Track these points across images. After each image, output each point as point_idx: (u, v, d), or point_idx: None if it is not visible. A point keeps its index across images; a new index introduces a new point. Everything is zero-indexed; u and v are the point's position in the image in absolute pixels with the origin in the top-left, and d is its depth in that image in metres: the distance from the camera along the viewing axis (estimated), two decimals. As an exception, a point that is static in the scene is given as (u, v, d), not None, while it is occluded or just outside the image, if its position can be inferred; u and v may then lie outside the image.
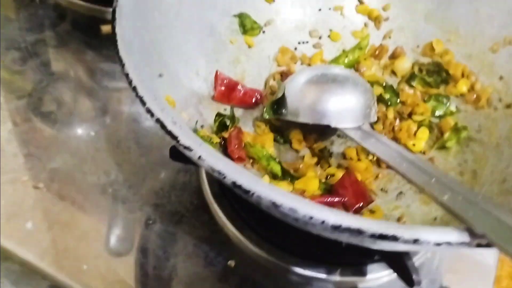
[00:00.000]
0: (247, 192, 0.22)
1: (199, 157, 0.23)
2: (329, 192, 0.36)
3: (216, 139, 0.36)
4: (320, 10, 0.49)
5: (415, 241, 0.22)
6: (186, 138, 0.24)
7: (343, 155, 0.42)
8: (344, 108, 0.37)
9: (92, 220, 0.40)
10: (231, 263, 0.39)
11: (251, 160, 0.37)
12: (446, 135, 0.43)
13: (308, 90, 0.38)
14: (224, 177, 0.22)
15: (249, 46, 0.46)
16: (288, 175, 0.37)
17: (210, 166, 0.23)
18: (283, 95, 0.39)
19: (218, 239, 0.40)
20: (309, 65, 0.47)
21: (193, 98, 0.38)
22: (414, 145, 0.42)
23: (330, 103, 0.37)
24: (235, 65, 0.44)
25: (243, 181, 0.22)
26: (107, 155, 0.44)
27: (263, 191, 0.22)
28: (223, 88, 0.39)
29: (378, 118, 0.44)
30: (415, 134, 0.43)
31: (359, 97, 0.38)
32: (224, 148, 0.36)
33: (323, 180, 0.38)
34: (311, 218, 0.21)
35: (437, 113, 0.45)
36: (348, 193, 0.34)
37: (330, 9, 0.49)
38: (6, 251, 0.37)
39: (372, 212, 0.36)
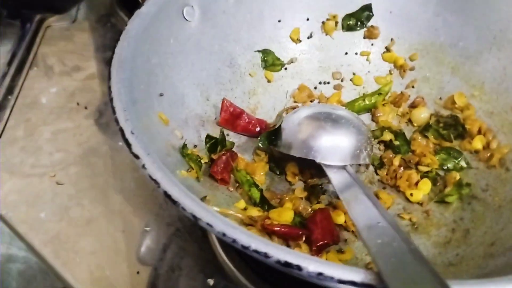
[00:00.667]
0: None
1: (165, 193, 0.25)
2: (303, 226, 0.37)
3: (205, 159, 0.39)
4: (346, 53, 0.51)
5: (319, 275, 0.23)
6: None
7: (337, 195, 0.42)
8: (331, 145, 0.38)
9: (102, 221, 0.44)
10: (210, 281, 0.40)
11: (237, 184, 0.39)
12: (448, 189, 0.42)
13: (302, 125, 0.40)
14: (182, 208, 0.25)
15: (268, 81, 0.48)
16: (266, 204, 0.38)
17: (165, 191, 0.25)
18: (279, 126, 0.41)
19: (204, 256, 0.42)
20: (318, 103, 0.48)
21: (196, 120, 0.41)
22: (411, 195, 0.42)
23: (318, 138, 0.38)
24: (250, 96, 0.47)
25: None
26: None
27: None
28: (227, 114, 0.42)
29: (383, 163, 0.44)
30: (416, 184, 0.42)
31: (349, 137, 0.39)
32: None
33: (304, 214, 0.39)
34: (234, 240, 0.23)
35: (446, 166, 0.44)
36: (316, 229, 0.35)
37: (356, 54, 0.50)
38: (18, 234, 0.42)
39: (341, 252, 0.36)
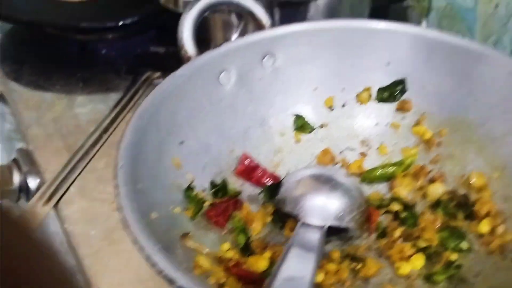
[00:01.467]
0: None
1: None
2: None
3: (209, 202, 0.45)
4: (377, 124, 0.54)
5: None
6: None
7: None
8: (316, 204, 0.42)
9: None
10: None
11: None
12: (437, 267, 0.42)
13: (298, 183, 0.44)
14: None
15: (297, 141, 0.53)
16: (248, 250, 0.43)
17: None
18: (280, 182, 0.46)
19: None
20: (341, 167, 0.52)
21: (214, 168, 0.48)
22: (398, 268, 0.43)
23: (306, 196, 0.42)
24: (275, 153, 0.53)
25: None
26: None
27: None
28: (243, 166, 0.49)
29: (386, 233, 0.46)
30: (410, 257, 0.43)
31: (335, 198, 0.42)
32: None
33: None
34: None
35: (447, 245, 0.44)
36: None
37: (387, 125, 0.53)
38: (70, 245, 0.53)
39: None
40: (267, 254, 0.42)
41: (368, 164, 0.52)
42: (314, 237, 0.40)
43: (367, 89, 0.53)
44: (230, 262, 0.39)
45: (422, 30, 0.51)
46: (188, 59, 0.50)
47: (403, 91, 0.52)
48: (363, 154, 0.52)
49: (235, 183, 0.49)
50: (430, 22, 0.74)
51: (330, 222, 0.41)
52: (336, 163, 0.52)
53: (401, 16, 0.79)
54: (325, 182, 0.43)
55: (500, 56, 0.46)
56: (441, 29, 0.68)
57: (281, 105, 0.53)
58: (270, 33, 0.52)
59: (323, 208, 0.42)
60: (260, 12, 0.53)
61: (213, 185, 0.46)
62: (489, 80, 0.47)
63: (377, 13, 0.69)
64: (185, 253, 0.39)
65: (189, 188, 0.44)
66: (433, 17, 0.73)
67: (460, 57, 0.48)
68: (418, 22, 0.76)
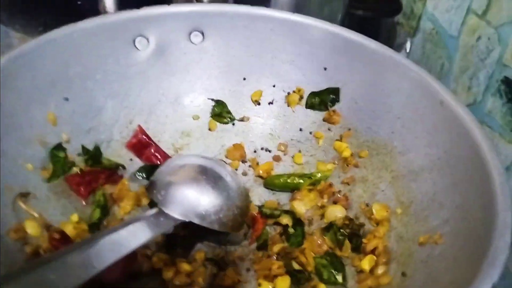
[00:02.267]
0: None
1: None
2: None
3: (78, 168, 0.41)
4: (300, 130, 0.49)
5: None
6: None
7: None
8: (179, 194, 0.37)
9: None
10: None
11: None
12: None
13: (175, 169, 0.40)
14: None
15: (210, 129, 0.49)
16: (95, 228, 0.39)
17: None
18: (159, 165, 0.41)
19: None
20: (250, 167, 0.47)
21: (103, 135, 0.44)
22: (259, 284, 0.38)
23: (172, 183, 0.38)
24: (182, 136, 0.48)
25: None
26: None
27: None
28: (136, 140, 0.44)
29: (267, 245, 0.41)
30: (275, 276, 0.38)
31: (207, 195, 0.37)
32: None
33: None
34: None
35: (322, 274, 0.38)
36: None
37: (311, 133, 0.48)
38: None
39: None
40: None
41: (278, 170, 0.47)
42: (165, 225, 0.35)
43: (299, 90, 0.48)
44: (57, 235, 0.35)
45: (364, 39, 0.45)
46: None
47: (335, 101, 0.47)
48: (276, 158, 0.47)
49: (124, 156, 0.45)
50: (414, 43, 0.68)
51: (189, 219, 0.36)
52: (245, 162, 0.47)
53: (390, 31, 0.73)
54: (205, 175, 0.39)
55: (432, 84, 0.40)
56: (424, 53, 0.63)
57: (202, 87, 0.49)
58: (202, 7, 0.47)
59: (187, 201, 0.37)
60: (200, -17, 0.48)
61: (84, 150, 0.41)
62: (420, 108, 0.41)
63: (368, 25, 0.64)
64: (15, 213, 0.35)
65: (59, 148, 0.40)
66: (419, 38, 0.67)
67: (400, 77, 0.43)
68: (403, 41, 0.70)
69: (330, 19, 0.46)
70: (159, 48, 0.46)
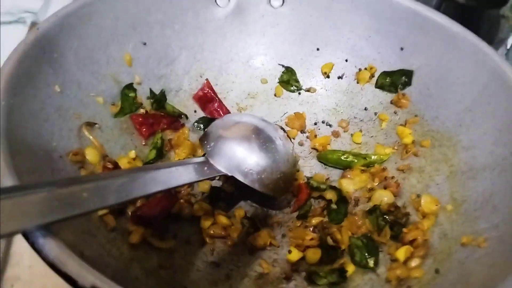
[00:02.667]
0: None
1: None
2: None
3: (144, 110, 0.44)
4: (365, 109, 0.48)
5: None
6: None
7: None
8: (226, 148, 0.38)
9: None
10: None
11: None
12: (324, 269, 0.37)
13: (230, 124, 0.40)
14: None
15: (275, 95, 0.49)
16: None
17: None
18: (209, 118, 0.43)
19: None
20: (307, 138, 0.47)
21: (173, 83, 0.46)
22: (290, 251, 0.38)
23: (223, 137, 0.38)
24: (248, 97, 0.49)
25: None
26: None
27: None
28: (202, 93, 0.46)
29: (307, 217, 0.41)
30: (307, 247, 0.39)
31: (255, 154, 0.38)
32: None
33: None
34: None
35: (354, 254, 0.38)
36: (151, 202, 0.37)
37: (376, 114, 0.47)
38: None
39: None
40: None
41: (334, 146, 0.47)
42: (208, 174, 0.36)
43: (371, 68, 0.47)
44: (110, 165, 0.37)
45: (448, 22, 0.42)
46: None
47: (406, 84, 0.45)
48: (335, 134, 0.47)
49: (190, 107, 0.47)
50: (516, 40, 0.63)
51: (232, 173, 0.37)
52: (304, 132, 0.47)
53: (493, 23, 0.68)
54: (255, 134, 0.39)
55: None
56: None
57: (274, 52, 0.49)
58: (286, -31, 0.47)
59: (233, 156, 0.38)
60: None
61: (152, 93, 0.44)
62: (494, 103, 0.38)
63: (468, 15, 0.59)
64: (79, 139, 0.38)
65: (130, 88, 0.43)
66: (522, 35, 0.62)
67: (477, 67, 0.40)
68: (506, 36, 0.65)
69: (424, 1, 0.44)
70: (238, 7, 0.47)
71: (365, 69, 0.47)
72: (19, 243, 0.42)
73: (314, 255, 0.38)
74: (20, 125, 0.31)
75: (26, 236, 0.23)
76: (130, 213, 0.37)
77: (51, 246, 0.23)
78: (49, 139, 0.35)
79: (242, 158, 0.38)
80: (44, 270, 0.21)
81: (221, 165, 0.37)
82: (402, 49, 0.45)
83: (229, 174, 0.37)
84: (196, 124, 0.45)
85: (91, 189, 0.27)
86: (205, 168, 0.37)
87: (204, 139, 0.39)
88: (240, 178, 0.37)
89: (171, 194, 0.39)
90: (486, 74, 0.39)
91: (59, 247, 0.23)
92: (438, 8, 0.59)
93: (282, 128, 0.44)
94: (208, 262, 0.37)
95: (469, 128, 0.40)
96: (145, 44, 0.44)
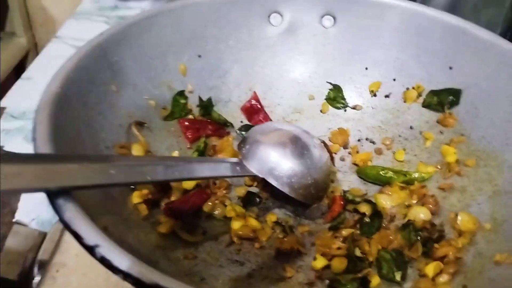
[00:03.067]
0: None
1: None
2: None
3: (192, 116, 0.47)
4: (411, 128, 0.47)
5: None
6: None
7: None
8: (261, 152, 0.39)
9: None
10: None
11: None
12: (346, 277, 0.36)
13: (269, 131, 0.42)
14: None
15: (322, 111, 0.50)
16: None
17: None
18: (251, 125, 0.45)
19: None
20: (349, 153, 0.47)
21: (222, 94, 0.49)
22: (315, 258, 0.38)
23: (258, 142, 0.40)
24: (294, 112, 0.50)
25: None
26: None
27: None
28: (249, 105, 0.49)
29: (338, 228, 0.42)
30: (334, 256, 0.39)
31: (289, 160, 0.39)
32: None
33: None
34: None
35: (381, 267, 0.37)
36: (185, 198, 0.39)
37: (420, 133, 0.46)
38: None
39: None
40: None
41: (376, 163, 0.46)
42: (239, 173, 0.38)
43: (418, 87, 0.47)
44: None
45: (499, 40, 0.41)
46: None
47: (453, 103, 0.44)
48: (378, 151, 0.47)
49: (237, 117, 0.49)
50: None
51: (263, 175, 0.39)
52: (347, 148, 0.48)
53: None
54: (289, 139, 0.40)
55: None
56: None
57: (323, 70, 0.51)
58: (338, -9, 0.49)
59: (264, 159, 0.39)
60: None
61: (200, 100, 0.47)
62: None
63: None
64: (127, 135, 0.42)
65: (182, 95, 0.46)
66: None
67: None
68: None
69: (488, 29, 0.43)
70: (291, 27, 0.50)
71: (413, 88, 0.47)
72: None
73: (339, 264, 0.37)
74: (72, 113, 0.35)
75: (49, 195, 0.26)
76: (163, 205, 0.39)
77: (68, 207, 0.26)
78: (99, 130, 0.38)
79: (274, 162, 0.39)
80: (89, 260, 0.23)
81: (253, 167, 0.39)
82: (451, 68, 0.44)
83: (260, 176, 0.39)
84: (238, 131, 0.47)
85: (119, 166, 0.30)
86: (237, 167, 0.38)
87: (241, 143, 0.41)
88: (270, 180, 0.39)
89: (203, 191, 0.41)
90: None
91: (76, 209, 0.26)
92: (504, 35, 0.57)
93: (323, 142, 0.44)
94: (232, 260, 0.38)
95: (515, 146, 0.38)
96: (200, 56, 0.48)
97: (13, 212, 0.52)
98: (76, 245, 0.25)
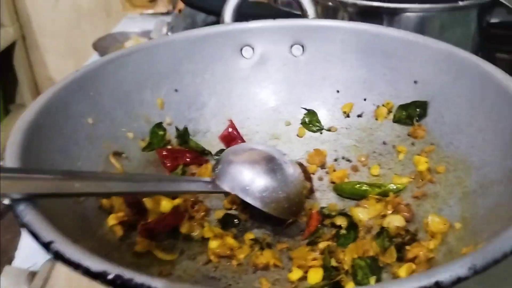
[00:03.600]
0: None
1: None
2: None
3: (171, 146, 0.48)
4: (384, 143, 0.48)
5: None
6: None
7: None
8: (232, 170, 0.41)
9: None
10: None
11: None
12: (320, 284, 0.36)
13: (242, 151, 0.43)
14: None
15: (299, 135, 0.52)
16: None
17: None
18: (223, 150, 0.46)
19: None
20: (326, 173, 0.48)
21: (201, 125, 0.51)
22: (291, 271, 0.38)
23: (231, 162, 0.41)
24: (271, 138, 0.52)
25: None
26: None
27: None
28: (226, 133, 0.50)
29: (316, 243, 0.42)
30: (309, 267, 0.39)
31: (262, 177, 0.40)
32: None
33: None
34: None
35: (356, 273, 0.37)
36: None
37: (394, 147, 0.47)
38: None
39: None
40: (177, 201, 0.43)
41: (352, 179, 0.47)
42: (211, 190, 0.39)
43: (388, 104, 0.48)
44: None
45: (455, 49, 0.43)
46: (222, 27, 0.54)
47: (421, 115, 0.46)
48: (354, 169, 0.48)
49: (216, 146, 0.51)
50: None
51: (235, 192, 0.40)
52: (324, 168, 0.49)
53: None
54: (258, 157, 0.42)
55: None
56: None
57: (297, 96, 0.53)
58: (304, 22, 0.52)
59: (235, 177, 0.40)
60: (307, 3, 0.53)
61: (177, 130, 0.49)
62: (502, 119, 0.38)
63: None
64: (105, 164, 0.43)
65: (160, 127, 0.48)
66: None
67: (484, 87, 0.40)
68: None
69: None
70: (262, 58, 0.52)
71: (383, 105, 0.48)
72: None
73: (315, 274, 0.37)
74: (46, 140, 0.37)
75: (13, 202, 0.27)
76: (140, 226, 0.40)
77: (28, 212, 0.27)
78: (75, 158, 0.40)
79: (245, 178, 0.40)
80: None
81: (225, 185, 0.40)
82: (415, 82, 0.46)
83: (233, 192, 0.40)
84: (216, 156, 0.48)
85: (84, 182, 0.31)
86: (209, 185, 0.39)
87: (215, 164, 0.42)
88: (242, 196, 0.40)
89: (179, 211, 0.41)
90: (492, 92, 0.39)
91: (36, 213, 0.27)
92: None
93: (301, 164, 0.46)
94: (208, 277, 0.38)
95: (481, 148, 0.39)
96: (176, 90, 0.50)
97: (10, 260, 0.53)
98: (64, 280, 0.25)
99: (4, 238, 0.59)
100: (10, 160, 0.31)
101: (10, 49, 1.52)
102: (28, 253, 0.49)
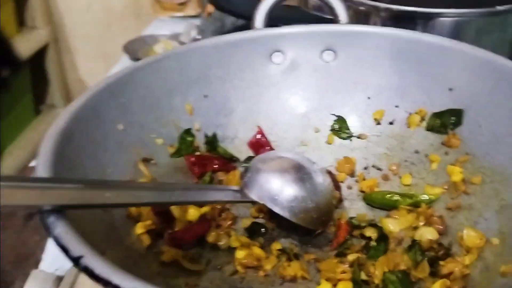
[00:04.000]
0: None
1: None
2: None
3: (199, 153, 0.48)
4: (416, 152, 0.47)
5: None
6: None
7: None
8: (261, 180, 0.40)
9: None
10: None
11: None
12: (350, 299, 0.36)
13: (271, 160, 0.43)
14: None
15: (328, 142, 0.51)
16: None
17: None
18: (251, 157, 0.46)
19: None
20: (356, 181, 0.47)
21: (229, 132, 0.50)
22: (319, 283, 0.38)
23: (260, 170, 0.41)
24: (300, 144, 0.51)
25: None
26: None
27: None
28: (255, 140, 0.50)
29: (345, 254, 0.41)
30: (339, 280, 0.38)
31: (290, 186, 0.40)
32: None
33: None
34: None
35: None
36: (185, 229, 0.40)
37: (426, 156, 0.46)
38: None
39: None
40: (205, 209, 0.43)
41: (383, 188, 0.46)
42: (240, 200, 0.39)
43: (421, 111, 0.47)
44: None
45: (492, 55, 0.42)
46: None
47: (456, 124, 0.44)
48: (385, 177, 0.46)
49: (244, 153, 0.50)
50: None
51: (263, 201, 0.39)
52: (353, 176, 0.48)
53: None
54: (292, 168, 0.41)
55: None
56: None
57: (327, 102, 0.52)
58: (336, 27, 0.51)
59: (264, 186, 0.39)
60: (339, 7, 0.52)
61: (205, 137, 0.49)
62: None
63: None
64: (134, 170, 0.43)
65: (189, 133, 0.48)
66: None
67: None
68: None
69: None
70: (293, 64, 0.51)
71: (415, 113, 0.47)
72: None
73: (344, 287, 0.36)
74: (77, 147, 0.38)
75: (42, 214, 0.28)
76: (166, 235, 0.40)
77: (58, 224, 0.27)
78: (105, 165, 0.40)
79: (274, 188, 0.40)
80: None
81: (254, 194, 0.39)
82: (451, 89, 0.45)
83: (261, 202, 0.39)
84: (244, 164, 0.48)
85: (114, 191, 0.31)
86: (238, 194, 0.39)
87: (244, 172, 0.42)
88: (271, 206, 0.39)
89: (206, 220, 0.41)
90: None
91: (66, 226, 0.27)
92: None
93: (329, 172, 0.45)
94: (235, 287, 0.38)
95: (519, 159, 0.37)
96: (206, 96, 0.50)
97: (37, 262, 0.54)
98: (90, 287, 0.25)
99: (32, 240, 0.60)
100: (43, 168, 0.31)
101: (42, 51, 1.55)
102: (54, 256, 0.50)
